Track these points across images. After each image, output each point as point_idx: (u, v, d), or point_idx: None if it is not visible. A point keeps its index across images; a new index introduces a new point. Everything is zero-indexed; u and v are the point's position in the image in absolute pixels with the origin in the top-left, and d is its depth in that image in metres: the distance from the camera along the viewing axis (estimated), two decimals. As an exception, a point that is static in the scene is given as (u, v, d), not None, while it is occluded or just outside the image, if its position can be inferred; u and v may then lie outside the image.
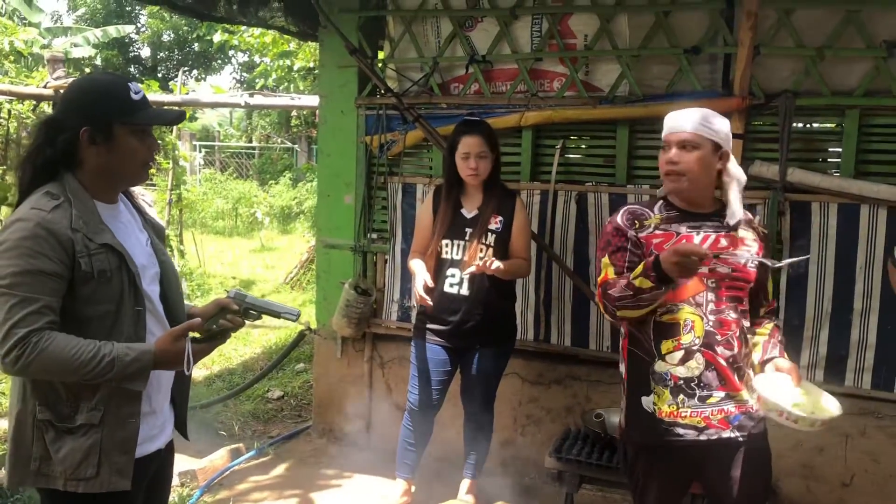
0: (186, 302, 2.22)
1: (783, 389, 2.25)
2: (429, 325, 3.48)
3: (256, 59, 16.71)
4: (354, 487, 3.97)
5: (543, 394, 4.08)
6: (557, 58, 3.90)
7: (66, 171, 1.90)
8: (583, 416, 3.61)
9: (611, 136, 3.85)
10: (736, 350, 2.35)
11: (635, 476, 2.50)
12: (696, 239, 2.35)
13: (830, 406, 2.28)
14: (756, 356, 2.42)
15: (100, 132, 1.87)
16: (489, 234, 3.40)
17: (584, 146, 4.02)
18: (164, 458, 2.12)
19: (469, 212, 3.44)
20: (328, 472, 4.12)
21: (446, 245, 3.44)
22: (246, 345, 6.50)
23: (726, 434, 2.33)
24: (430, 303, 3.32)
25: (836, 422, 3.46)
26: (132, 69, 23.19)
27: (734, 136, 3.47)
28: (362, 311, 4.20)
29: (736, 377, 2.34)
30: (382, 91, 4.16)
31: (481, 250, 3.37)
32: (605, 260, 2.41)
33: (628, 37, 3.75)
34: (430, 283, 3.34)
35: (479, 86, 4.05)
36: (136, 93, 1.92)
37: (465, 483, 3.69)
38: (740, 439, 2.34)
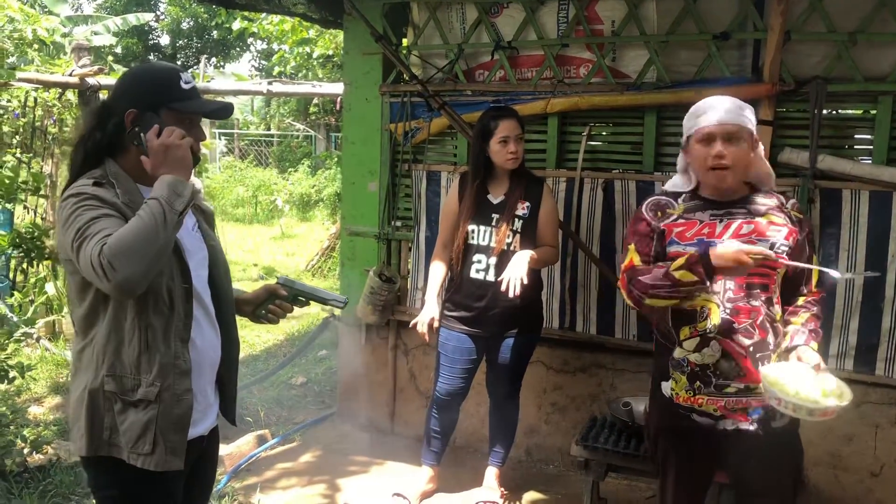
0: (236, 287, 2.24)
1: (793, 377, 2.15)
2: (455, 313, 3.48)
3: (275, 46, 16.72)
4: (381, 473, 4.00)
5: (568, 382, 4.08)
6: (584, 44, 3.87)
7: (109, 157, 1.94)
8: (610, 404, 3.60)
9: (638, 123, 3.81)
10: (757, 339, 2.28)
11: (657, 459, 2.51)
12: (719, 227, 2.32)
13: (841, 396, 2.14)
14: (783, 345, 2.34)
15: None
16: (516, 219, 3.39)
17: (610, 133, 3.99)
18: (206, 445, 2.14)
19: (496, 198, 3.43)
20: (355, 458, 4.15)
21: (473, 230, 3.43)
22: (269, 331, 6.53)
23: (745, 426, 2.29)
24: (428, 338, 3.46)
25: (866, 410, 3.48)
26: (152, 57, 23.27)
27: (764, 122, 3.47)
28: (387, 299, 4.20)
29: (759, 368, 2.26)
30: (407, 78, 4.15)
31: (509, 236, 3.36)
32: (632, 247, 2.41)
33: (656, 22, 3.71)
34: (436, 324, 3.47)
35: (505, 72, 4.03)
36: (186, 82, 1.96)
37: (491, 471, 3.69)
38: (760, 433, 2.29)
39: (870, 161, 3.43)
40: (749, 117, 2.30)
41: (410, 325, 3.54)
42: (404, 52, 4.27)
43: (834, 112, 3.66)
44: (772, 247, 2.28)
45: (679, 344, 2.35)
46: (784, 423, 2.32)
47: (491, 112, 3.44)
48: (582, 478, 3.41)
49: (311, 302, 2.27)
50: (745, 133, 2.28)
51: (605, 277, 3.87)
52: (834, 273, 2.22)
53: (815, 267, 2.34)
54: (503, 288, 3.21)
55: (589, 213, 3.91)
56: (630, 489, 3.81)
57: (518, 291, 3.19)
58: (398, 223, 4.36)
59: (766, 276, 2.29)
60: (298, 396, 5.24)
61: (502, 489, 3.70)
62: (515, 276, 3.20)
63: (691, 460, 2.44)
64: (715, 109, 2.29)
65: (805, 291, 2.42)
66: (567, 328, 4.01)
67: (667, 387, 2.40)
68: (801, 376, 2.15)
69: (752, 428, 2.30)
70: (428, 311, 3.48)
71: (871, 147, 3.45)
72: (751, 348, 2.29)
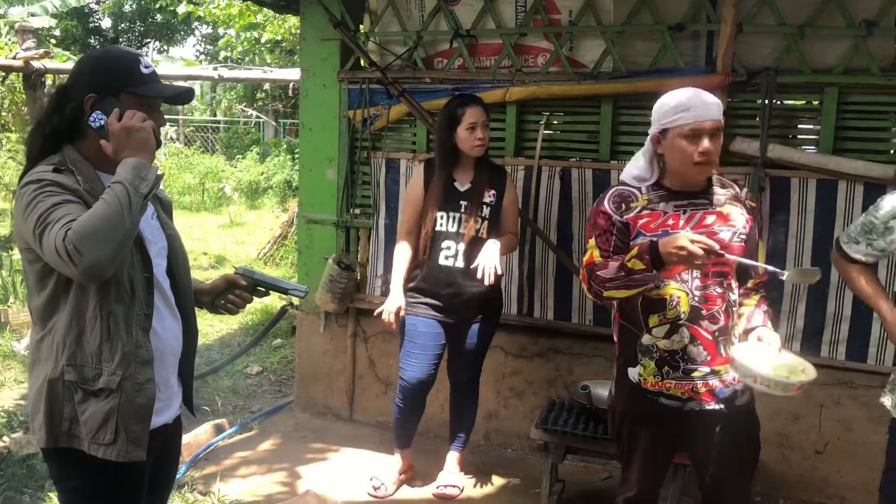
0: (194, 277, 2.22)
1: (759, 356, 2.29)
2: (423, 300, 3.49)
3: (221, 30, 16.43)
4: (341, 460, 4.01)
5: (526, 367, 4.14)
6: (542, 33, 3.91)
7: (67, 143, 1.91)
8: (569, 387, 3.67)
9: (595, 112, 3.88)
10: (721, 324, 2.40)
11: (622, 442, 2.57)
12: (683, 218, 2.39)
13: (805, 372, 2.32)
14: (740, 326, 2.47)
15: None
16: (484, 206, 3.43)
17: (568, 122, 4.05)
18: (170, 434, 2.12)
19: (462, 185, 3.46)
20: (315, 445, 4.15)
21: (441, 218, 3.44)
22: (222, 321, 6.46)
23: (710, 406, 2.39)
24: (394, 327, 3.47)
25: (812, 391, 3.61)
26: (92, 40, 22.63)
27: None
28: (345, 287, 4.20)
29: (722, 351, 2.39)
30: (366, 65, 4.14)
31: (477, 223, 3.40)
32: (592, 242, 2.44)
33: (613, 13, 3.77)
34: (403, 312, 3.46)
35: (464, 61, 4.05)
36: (146, 67, 1.93)
37: (453, 456, 3.74)
38: (725, 412, 2.40)
39: (816, 150, 3.56)
40: (721, 111, 2.37)
41: (375, 314, 3.53)
42: (362, 38, 4.26)
43: (783, 102, 3.77)
44: (733, 235, 2.37)
45: (648, 331, 2.41)
46: (745, 399, 2.45)
47: (457, 99, 3.46)
48: (541, 460, 3.49)
49: (271, 291, 2.25)
50: (721, 127, 2.36)
51: (563, 264, 3.93)
52: (776, 271, 2.30)
53: (759, 265, 2.41)
54: (479, 276, 3.29)
55: (547, 201, 3.96)
56: (587, 471, 3.90)
57: (492, 280, 3.28)
58: (357, 211, 4.36)
59: (725, 263, 2.36)
60: (255, 385, 5.21)
61: (463, 473, 3.74)
62: (490, 263, 3.29)
63: (656, 442, 2.50)
64: (705, 106, 2.31)
65: (753, 275, 2.52)
66: (525, 314, 4.07)
67: (634, 373, 2.45)
68: (770, 356, 2.29)
69: (717, 407, 2.40)
70: (394, 300, 3.47)
71: (818, 137, 3.57)
72: (716, 333, 2.39)
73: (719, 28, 3.54)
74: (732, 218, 2.41)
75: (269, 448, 4.13)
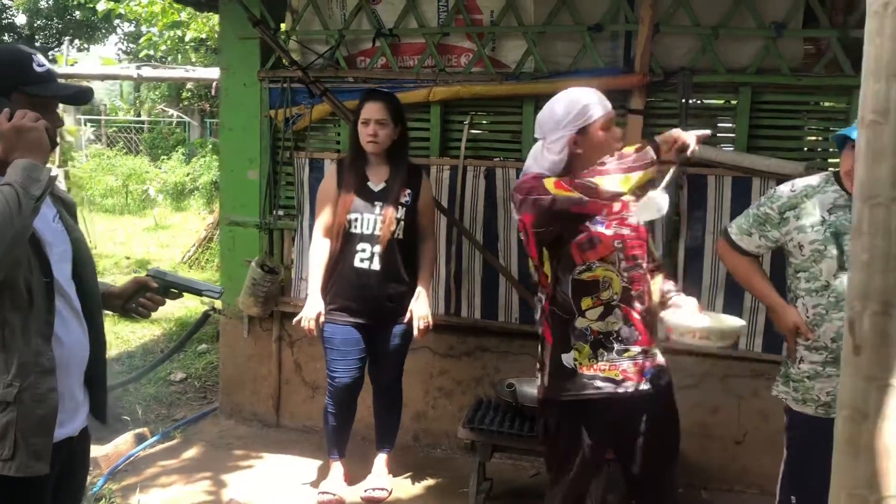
0: (102, 281, 2.14)
1: (690, 315, 2.45)
2: (339, 305, 3.43)
3: (144, 29, 15.99)
4: (266, 467, 3.93)
5: (454, 366, 4.14)
6: (465, 33, 3.92)
7: None
8: (495, 386, 3.68)
9: (517, 112, 3.90)
10: (647, 304, 2.50)
11: (557, 434, 2.54)
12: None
13: (734, 323, 2.49)
14: (656, 298, 2.58)
15: None
16: (400, 207, 3.39)
17: (491, 122, 4.06)
18: (75, 447, 2.04)
19: (377, 185, 3.41)
20: (240, 453, 4.06)
21: (355, 219, 3.38)
22: (145, 326, 6.27)
23: (642, 386, 2.44)
24: (315, 334, 3.42)
25: (731, 383, 3.71)
26: (6, 38, 21.73)
27: (635, 112, 3.63)
28: (269, 290, 4.12)
29: (649, 332, 2.48)
30: (287, 64, 4.07)
31: (393, 224, 3.36)
32: (554, 195, 2.33)
33: (533, 13, 3.80)
34: (323, 318, 3.40)
35: (387, 60, 4.02)
36: (39, 65, 1.86)
37: (381, 458, 3.70)
38: (652, 392, 2.46)
39: (732, 148, 3.65)
40: None
41: (294, 322, 3.47)
42: (283, 37, 4.19)
43: (700, 101, 3.86)
44: (638, 222, 2.49)
45: (581, 314, 2.43)
46: (667, 380, 2.54)
47: (363, 95, 3.45)
48: (468, 459, 3.49)
49: (185, 294, 2.20)
50: None
51: (489, 263, 3.94)
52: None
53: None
54: (416, 335, 3.43)
55: (472, 201, 3.97)
56: (515, 468, 3.91)
57: (424, 334, 3.43)
58: (280, 212, 4.28)
59: (643, 247, 2.49)
60: (178, 393, 5.07)
61: (392, 475, 3.71)
62: (422, 315, 3.40)
63: (591, 427, 2.48)
64: (604, 98, 2.46)
65: (650, 260, 2.61)
66: (452, 313, 4.07)
67: (569, 358, 2.45)
68: (697, 314, 2.46)
69: (646, 387, 2.45)
70: (313, 306, 3.40)
71: (734, 135, 3.67)
72: (644, 313, 2.47)
73: (637, 29, 3.61)
74: (633, 204, 2.52)
75: (193, 457, 4.03)
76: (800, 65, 3.63)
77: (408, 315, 3.41)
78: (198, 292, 2.21)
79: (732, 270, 2.82)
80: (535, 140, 3.86)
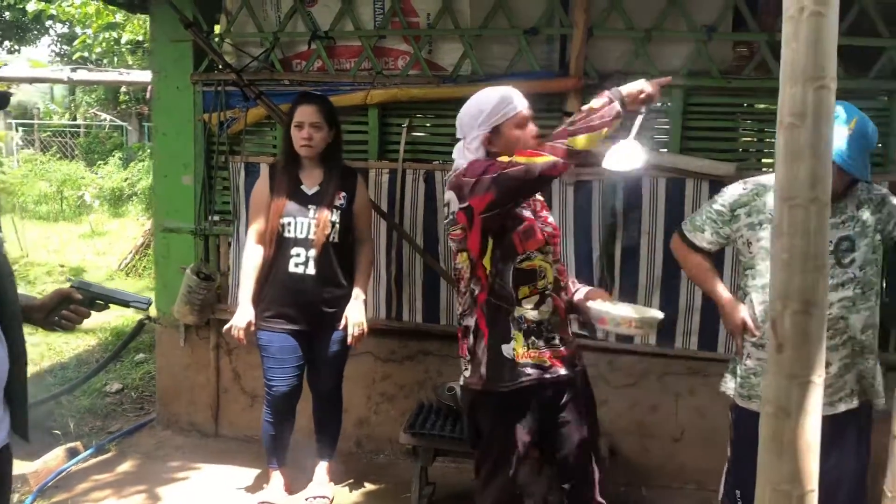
0: (23, 292, 2.05)
1: (611, 306, 2.52)
2: (274, 312, 3.37)
3: (78, 30, 15.56)
4: (203, 478, 3.84)
5: (396, 371, 4.11)
6: (401, 36, 3.90)
7: None
8: (436, 389, 3.67)
9: (456, 115, 3.87)
10: (568, 296, 2.62)
11: (495, 437, 2.52)
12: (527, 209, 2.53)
13: (656, 313, 2.55)
14: (575, 295, 2.68)
15: None
16: (335, 210, 3.35)
17: (430, 125, 4.05)
18: None
19: (310, 188, 3.36)
20: (175, 464, 3.96)
21: (289, 223, 3.33)
22: (79, 337, 6.09)
23: (563, 371, 2.51)
24: (245, 342, 3.34)
25: (668, 381, 3.77)
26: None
27: (571, 114, 3.65)
28: (205, 297, 4.03)
29: (569, 320, 2.63)
30: (220, 67, 3.99)
31: (328, 227, 3.32)
32: (527, 161, 2.32)
33: (469, 16, 3.80)
34: (253, 327, 3.34)
35: (323, 62, 3.97)
36: None
37: (321, 466, 3.65)
38: (573, 376, 2.56)
39: (666, 150, 3.71)
40: None
41: (224, 330, 3.40)
42: (217, 39, 4.11)
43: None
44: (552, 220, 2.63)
45: (518, 303, 2.47)
46: (581, 366, 2.64)
47: (296, 98, 3.39)
48: (411, 464, 3.47)
49: (112, 305, 2.13)
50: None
51: (430, 266, 3.93)
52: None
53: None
54: (349, 341, 3.35)
55: (412, 204, 3.95)
56: (458, 471, 3.89)
57: (359, 341, 3.38)
58: (216, 218, 4.20)
59: (557, 244, 2.60)
60: (114, 404, 4.93)
61: (333, 483, 3.67)
62: (356, 323, 3.35)
63: (526, 416, 2.49)
64: (520, 96, 2.50)
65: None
66: (394, 318, 4.04)
67: (508, 349, 2.46)
68: (622, 305, 2.56)
69: (568, 372, 2.53)
70: (243, 315, 3.32)
71: (667, 138, 3.72)
72: (566, 304, 2.59)
73: (571, 32, 3.64)
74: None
75: (128, 470, 3.91)
76: (731, 67, 3.71)
77: (343, 321, 3.36)
78: (124, 304, 2.15)
79: (684, 266, 2.86)
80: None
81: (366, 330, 3.39)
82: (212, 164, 4.15)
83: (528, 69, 3.74)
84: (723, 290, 2.69)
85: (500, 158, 2.39)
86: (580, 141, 2.29)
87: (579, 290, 2.67)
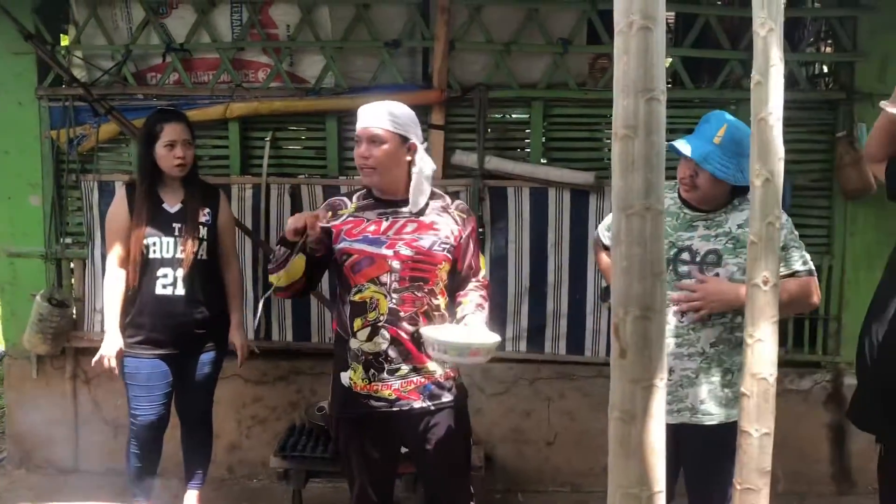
0: None
1: (442, 332, 2.35)
2: (141, 337, 3.19)
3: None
4: (62, 519, 3.60)
5: (268, 392, 4.00)
6: (261, 48, 3.81)
7: None
8: (306, 410, 3.59)
9: (321, 128, 3.85)
10: (420, 325, 2.44)
11: (341, 449, 2.58)
12: (384, 224, 2.47)
13: (484, 339, 2.36)
14: (458, 317, 2.54)
15: None
16: (201, 227, 3.24)
17: (294, 138, 3.97)
18: None
19: (172, 206, 3.22)
20: (28, 506, 3.70)
21: (153, 244, 3.18)
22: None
23: (418, 404, 2.46)
24: (117, 372, 3.18)
25: (540, 386, 3.84)
26: None
27: (436, 127, 3.68)
28: (59, 325, 3.78)
29: (421, 351, 2.43)
30: (67, 81, 3.78)
31: (195, 244, 3.20)
32: None
33: (330, 28, 3.76)
34: (122, 355, 3.19)
35: (179, 76, 3.83)
36: None
37: (192, 495, 3.48)
38: (433, 408, 2.48)
39: (529, 161, 3.79)
40: (398, 122, 2.44)
41: (94, 363, 3.18)
42: (63, 52, 3.88)
43: (501, 116, 3.98)
44: (434, 244, 2.46)
45: (353, 335, 2.45)
46: (453, 397, 2.51)
47: (156, 115, 3.24)
48: (285, 488, 3.37)
49: None
50: (392, 136, 2.42)
51: (298, 283, 3.84)
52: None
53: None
54: (239, 365, 3.39)
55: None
56: (335, 491, 3.82)
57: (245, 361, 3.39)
58: (68, 240, 3.96)
59: (428, 270, 2.46)
60: (-41, 444, 4.56)
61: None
62: (244, 344, 3.36)
63: (373, 445, 2.52)
64: (363, 114, 2.47)
65: (473, 279, 2.60)
66: (263, 338, 3.92)
67: (345, 377, 2.49)
68: (453, 330, 2.40)
69: (425, 404, 2.46)
70: (111, 343, 3.14)
71: (529, 149, 3.81)
72: (414, 334, 2.44)
73: (433, 45, 3.66)
74: (437, 227, 2.49)
75: (-26, 516, 3.63)
76: (587, 79, 3.83)
77: (230, 346, 3.35)
78: None
79: (602, 270, 2.89)
80: (343, 155, 3.84)
81: (257, 351, 3.46)
82: (62, 184, 3.91)
83: (392, 81, 3.73)
84: None
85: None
86: (271, 277, 2.46)
87: (463, 312, 2.52)
